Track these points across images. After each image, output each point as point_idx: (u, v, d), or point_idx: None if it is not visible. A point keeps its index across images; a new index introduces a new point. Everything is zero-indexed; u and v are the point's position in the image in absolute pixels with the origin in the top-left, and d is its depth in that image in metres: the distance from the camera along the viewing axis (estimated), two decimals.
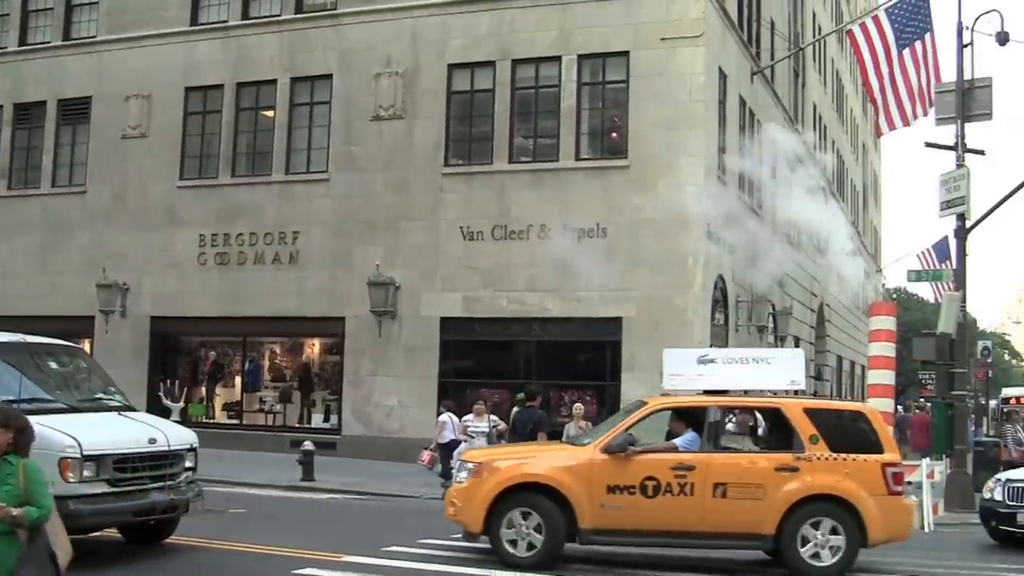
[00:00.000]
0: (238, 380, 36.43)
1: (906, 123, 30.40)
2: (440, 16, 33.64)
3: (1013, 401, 58.42)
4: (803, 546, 14.09)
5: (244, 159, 36.21)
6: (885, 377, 24.30)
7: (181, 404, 31.16)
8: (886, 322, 24.52)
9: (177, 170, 36.52)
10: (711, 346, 31.92)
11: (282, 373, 36.01)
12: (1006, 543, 18.51)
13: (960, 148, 27.80)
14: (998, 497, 18.72)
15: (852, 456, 14.35)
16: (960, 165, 27.64)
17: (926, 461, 23.69)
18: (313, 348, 35.97)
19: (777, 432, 15.32)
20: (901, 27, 30.48)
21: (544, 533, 14.43)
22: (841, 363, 61.45)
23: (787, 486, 14.18)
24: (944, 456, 25.79)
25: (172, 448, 14.19)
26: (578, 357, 31.89)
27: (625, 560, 15.46)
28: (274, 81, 35.55)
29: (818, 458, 14.32)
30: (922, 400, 59.36)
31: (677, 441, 14.98)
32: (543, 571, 14.09)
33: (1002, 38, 28.07)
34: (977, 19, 28.42)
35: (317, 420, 34.80)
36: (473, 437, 23.41)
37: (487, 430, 23.58)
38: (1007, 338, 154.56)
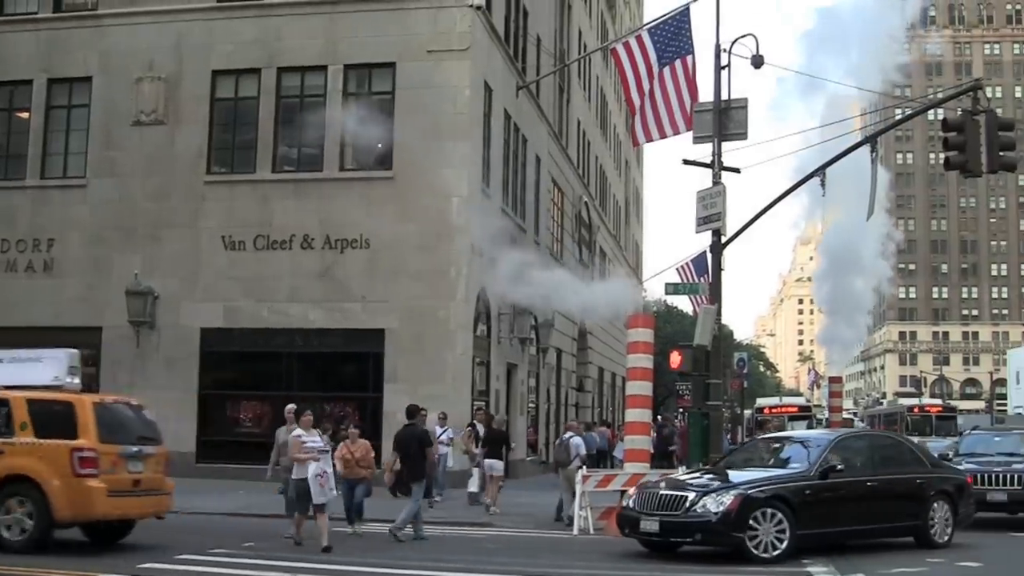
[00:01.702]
0: None
1: (663, 135, 30.91)
2: (205, 21, 32.97)
3: (766, 411, 60.66)
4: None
5: None
6: (643, 388, 24.64)
7: None
8: (644, 334, 24.86)
9: None
10: (475, 358, 32.12)
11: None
12: (657, 549, 17.99)
13: (716, 166, 28.43)
14: (631, 504, 18.44)
15: (49, 441, 15.78)
16: (716, 182, 28.29)
17: (682, 469, 24.20)
18: None
19: (7, 421, 16.44)
20: (663, 47, 31.12)
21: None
22: (603, 375, 62.57)
23: None
24: (700, 464, 26.35)
25: None
26: (341, 368, 31.65)
27: None
28: (30, 82, 34.15)
29: (22, 443, 15.86)
30: (680, 410, 60.73)
31: None
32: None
33: (757, 61, 28.83)
34: (734, 42, 29.22)
35: None
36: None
37: (323, 445, 19.04)
38: (762, 350, 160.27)
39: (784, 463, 19.05)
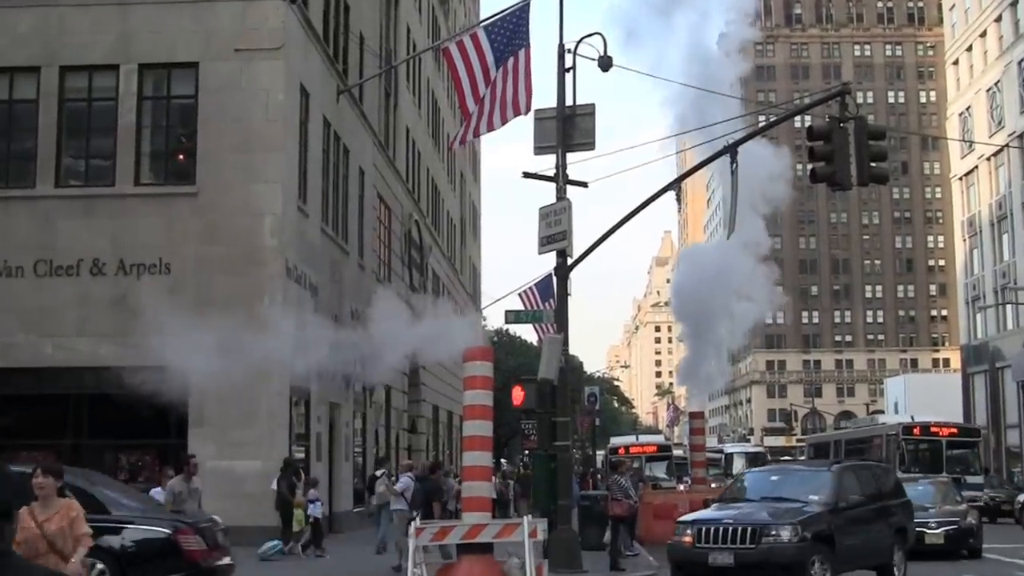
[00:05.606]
0: None
1: (492, 128, 30.77)
2: None
3: (621, 451, 60.97)
4: None
5: None
6: (483, 428, 24.57)
7: None
8: (481, 368, 24.77)
9: None
10: (292, 397, 31.85)
11: None
12: None
13: (561, 179, 28.57)
14: None
15: None
16: (561, 197, 28.44)
17: (527, 519, 24.08)
18: None
19: None
20: (501, 47, 31.27)
21: None
22: (438, 413, 62.56)
23: None
24: (549, 512, 26.28)
25: None
26: (138, 412, 31.00)
27: None
28: None
29: None
30: (526, 452, 60.90)
31: None
32: None
33: (605, 63, 29.08)
34: (579, 42, 29.48)
35: None
36: None
37: None
38: (616, 383, 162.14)
39: None
